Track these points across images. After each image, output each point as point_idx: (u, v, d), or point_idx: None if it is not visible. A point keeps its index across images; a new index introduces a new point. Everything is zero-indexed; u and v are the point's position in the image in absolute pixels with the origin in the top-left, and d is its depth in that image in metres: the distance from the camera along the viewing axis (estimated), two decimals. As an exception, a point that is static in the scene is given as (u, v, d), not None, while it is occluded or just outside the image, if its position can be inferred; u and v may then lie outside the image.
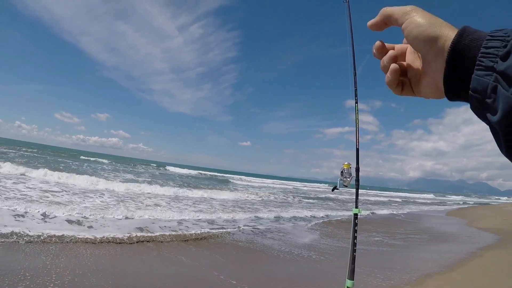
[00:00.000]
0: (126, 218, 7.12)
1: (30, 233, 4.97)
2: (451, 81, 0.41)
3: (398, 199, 34.35)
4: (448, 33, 0.41)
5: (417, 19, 0.44)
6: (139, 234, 5.93)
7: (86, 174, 17.34)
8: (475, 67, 0.38)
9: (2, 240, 4.52)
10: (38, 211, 6.51)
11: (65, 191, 10.06)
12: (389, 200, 31.53)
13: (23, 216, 5.98)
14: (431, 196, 65.69)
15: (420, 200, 38.38)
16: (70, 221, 6.16)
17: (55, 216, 6.33)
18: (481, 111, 0.39)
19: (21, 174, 12.00)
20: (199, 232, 6.68)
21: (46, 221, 5.91)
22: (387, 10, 0.48)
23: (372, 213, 15.84)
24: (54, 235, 5.08)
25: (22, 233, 4.92)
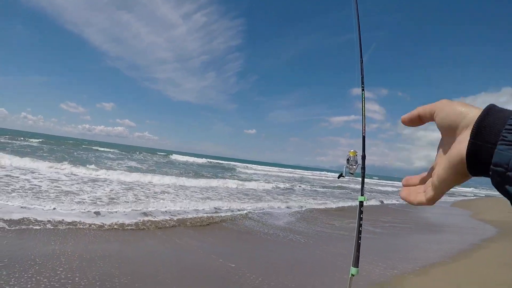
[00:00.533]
0: (134, 205, 7.24)
1: (40, 219, 5.10)
2: (475, 155, 0.41)
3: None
4: (475, 111, 0.43)
5: (446, 101, 0.48)
6: (145, 219, 6.05)
7: (94, 163, 17.66)
8: (499, 141, 0.39)
9: (13, 227, 4.65)
10: (48, 200, 6.68)
11: (74, 180, 10.26)
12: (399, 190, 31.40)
13: (32, 204, 6.13)
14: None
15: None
16: (79, 209, 6.29)
17: (64, 204, 6.48)
18: (502, 184, 0.39)
19: (27, 164, 12.21)
20: (202, 216, 6.77)
21: (55, 209, 6.05)
22: (421, 108, 0.51)
23: (381, 201, 15.89)
24: (63, 220, 5.22)
25: (32, 220, 5.06)
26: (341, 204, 12.73)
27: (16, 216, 5.07)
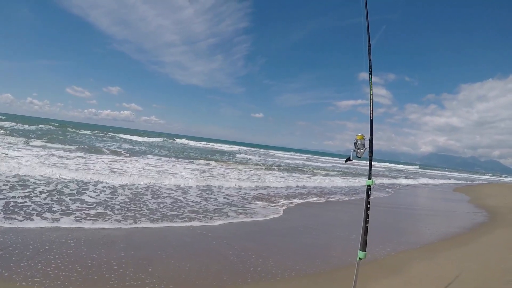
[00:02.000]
0: (152, 196, 7.35)
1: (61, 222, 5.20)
2: None
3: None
4: None
5: None
6: (155, 208, 6.12)
7: (118, 152, 17.66)
8: None
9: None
10: (68, 197, 6.79)
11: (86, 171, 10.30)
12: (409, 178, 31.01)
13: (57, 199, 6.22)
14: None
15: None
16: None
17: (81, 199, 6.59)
18: None
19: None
20: (208, 208, 6.85)
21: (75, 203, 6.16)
22: None
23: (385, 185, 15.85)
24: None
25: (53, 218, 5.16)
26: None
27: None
